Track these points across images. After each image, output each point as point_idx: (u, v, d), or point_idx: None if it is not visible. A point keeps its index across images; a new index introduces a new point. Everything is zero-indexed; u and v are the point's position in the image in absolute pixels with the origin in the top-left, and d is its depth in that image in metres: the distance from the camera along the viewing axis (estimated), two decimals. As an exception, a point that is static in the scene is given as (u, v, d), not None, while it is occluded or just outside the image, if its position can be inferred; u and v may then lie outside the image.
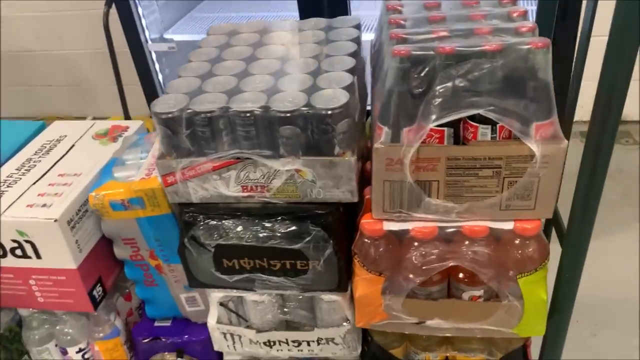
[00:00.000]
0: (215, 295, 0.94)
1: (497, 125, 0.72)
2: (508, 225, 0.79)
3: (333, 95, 0.77)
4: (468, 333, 0.87)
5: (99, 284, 1.00)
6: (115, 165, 0.98)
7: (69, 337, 1.06)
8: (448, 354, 0.97)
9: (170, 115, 0.78)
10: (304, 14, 1.50)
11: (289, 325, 0.96)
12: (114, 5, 1.72)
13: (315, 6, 1.48)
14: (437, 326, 0.86)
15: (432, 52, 0.70)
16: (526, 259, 0.80)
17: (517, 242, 0.80)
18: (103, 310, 1.03)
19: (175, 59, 1.90)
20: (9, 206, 0.92)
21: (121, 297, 1.10)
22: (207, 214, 0.85)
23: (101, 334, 1.05)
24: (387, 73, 0.72)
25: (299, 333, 0.95)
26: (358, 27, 0.98)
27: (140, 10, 1.77)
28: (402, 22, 0.81)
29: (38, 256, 0.93)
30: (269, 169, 0.80)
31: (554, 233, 0.98)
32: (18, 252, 0.93)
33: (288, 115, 0.75)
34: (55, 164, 1.03)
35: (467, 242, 0.80)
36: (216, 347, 1.01)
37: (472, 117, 0.73)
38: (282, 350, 0.97)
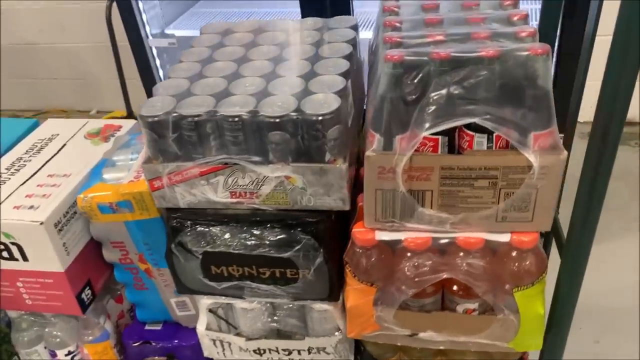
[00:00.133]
0: (205, 301, 0.92)
1: (494, 134, 0.69)
2: (504, 238, 0.76)
3: (324, 101, 0.74)
4: (462, 346, 0.85)
5: (87, 287, 0.98)
6: (105, 167, 0.96)
7: (58, 340, 1.04)
8: (443, 365, 0.94)
9: (156, 119, 0.75)
10: (306, 10, 1.47)
11: (279, 334, 0.94)
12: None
13: (318, 3, 1.45)
14: (430, 339, 0.84)
15: (426, 58, 0.67)
16: (523, 273, 0.77)
17: (513, 254, 0.77)
18: (92, 313, 1.02)
19: (176, 55, 1.87)
20: (-4, 208, 0.91)
21: (112, 300, 1.08)
22: (195, 220, 0.83)
23: (90, 337, 1.03)
24: (380, 78, 0.69)
25: (290, 342, 0.93)
26: (355, 27, 0.94)
27: (141, 5, 1.76)
28: (397, 24, 0.78)
29: (25, 258, 0.91)
30: (257, 175, 0.77)
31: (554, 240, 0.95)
32: (5, 254, 0.91)
33: (277, 120, 0.73)
34: (45, 164, 1.01)
35: (461, 254, 0.77)
36: (206, 354, 0.99)
37: (468, 126, 0.70)
38: (272, 358, 0.95)
